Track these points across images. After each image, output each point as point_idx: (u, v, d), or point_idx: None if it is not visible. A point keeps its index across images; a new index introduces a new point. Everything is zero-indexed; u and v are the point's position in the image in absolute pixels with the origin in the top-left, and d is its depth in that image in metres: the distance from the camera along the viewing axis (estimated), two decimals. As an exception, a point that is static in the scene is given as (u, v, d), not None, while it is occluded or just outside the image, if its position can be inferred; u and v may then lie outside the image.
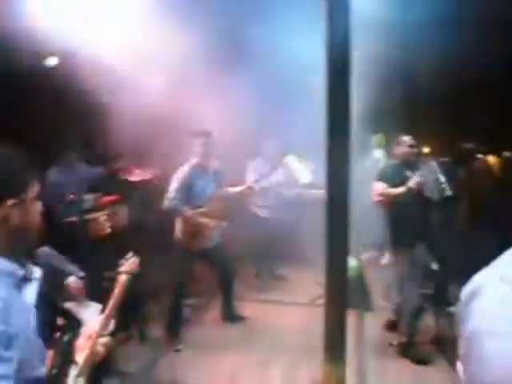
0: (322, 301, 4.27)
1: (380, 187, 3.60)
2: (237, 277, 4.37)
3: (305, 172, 5.02)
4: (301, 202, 5.43)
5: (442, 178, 3.56)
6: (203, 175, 3.91)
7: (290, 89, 4.91)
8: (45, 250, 2.59)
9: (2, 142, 1.20)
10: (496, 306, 0.68)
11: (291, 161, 5.00)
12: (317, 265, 4.83)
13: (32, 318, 1.16)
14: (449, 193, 3.52)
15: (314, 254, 5.10)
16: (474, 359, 0.68)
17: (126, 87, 4.08)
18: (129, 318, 3.57)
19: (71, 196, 4.00)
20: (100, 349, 1.42)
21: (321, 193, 5.64)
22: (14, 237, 1.18)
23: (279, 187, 5.11)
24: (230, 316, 4.31)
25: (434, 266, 3.64)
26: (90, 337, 1.42)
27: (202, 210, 3.85)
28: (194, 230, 3.82)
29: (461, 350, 0.73)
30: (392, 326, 3.88)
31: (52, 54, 5.79)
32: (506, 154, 9.24)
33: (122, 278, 1.57)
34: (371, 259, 5.32)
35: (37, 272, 1.25)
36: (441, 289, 3.76)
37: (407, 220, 3.50)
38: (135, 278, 1.62)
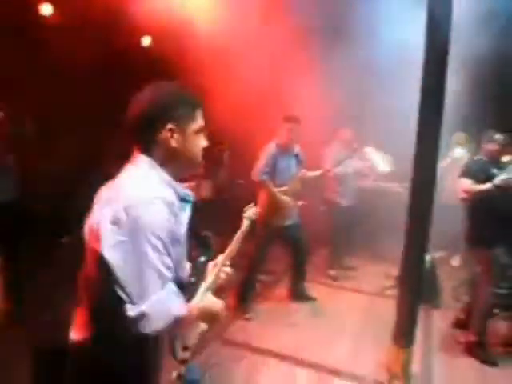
0: (391, 291, 4.39)
1: (467, 183, 3.56)
2: (308, 258, 4.53)
3: (383, 163, 5.03)
4: (377, 192, 5.45)
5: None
6: (287, 156, 4.09)
7: (386, 75, 4.91)
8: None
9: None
10: None
11: (370, 151, 5.03)
12: (387, 257, 4.93)
13: (185, 232, 1.48)
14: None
15: (384, 246, 5.18)
16: None
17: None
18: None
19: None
20: (222, 275, 1.70)
21: (397, 185, 5.65)
22: (172, 160, 1.45)
23: (356, 175, 5.15)
24: (299, 295, 4.49)
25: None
26: (215, 264, 1.71)
27: (283, 188, 4.02)
28: (275, 207, 3.99)
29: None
30: (461, 325, 3.87)
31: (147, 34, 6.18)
32: None
33: (245, 223, 1.80)
34: (441, 259, 5.26)
35: (192, 196, 1.52)
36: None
37: (490, 219, 3.45)
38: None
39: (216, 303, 1.57)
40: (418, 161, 2.86)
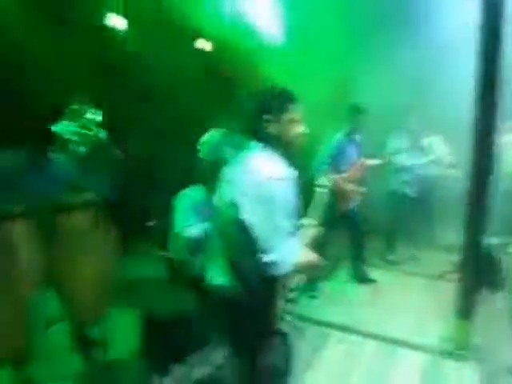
0: (451, 276, 4.52)
1: None
2: (367, 242, 4.76)
3: (447, 153, 5.08)
4: (441, 182, 5.46)
5: None
6: (349, 144, 4.36)
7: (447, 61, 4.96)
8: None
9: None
10: None
11: (434, 140, 5.09)
12: (446, 244, 5.03)
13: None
14: None
15: (444, 233, 5.27)
16: None
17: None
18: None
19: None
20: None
21: (461, 174, 5.61)
22: (276, 146, 1.94)
23: (420, 165, 5.18)
24: (359, 277, 4.74)
25: None
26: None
27: (345, 175, 4.29)
28: (336, 193, 4.22)
29: None
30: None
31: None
32: None
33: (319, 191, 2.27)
34: (499, 245, 5.26)
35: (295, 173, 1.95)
36: None
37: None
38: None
39: (312, 255, 2.06)
40: (476, 147, 3.01)
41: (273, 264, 1.79)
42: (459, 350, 3.31)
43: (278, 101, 1.92)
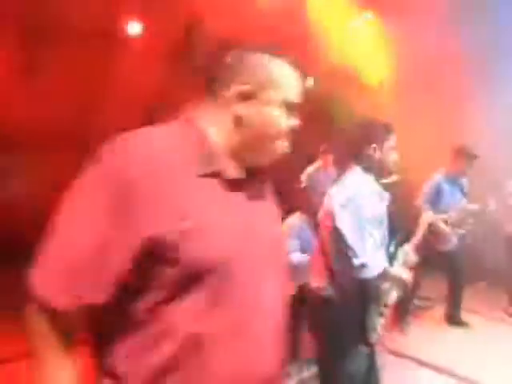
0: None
1: None
2: (466, 285, 4.67)
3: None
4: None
5: None
6: (453, 185, 4.41)
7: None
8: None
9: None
10: None
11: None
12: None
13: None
14: None
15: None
16: None
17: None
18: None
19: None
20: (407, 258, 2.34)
21: None
22: (376, 169, 2.25)
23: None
24: (454, 320, 4.65)
25: None
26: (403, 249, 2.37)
27: (444, 216, 4.32)
28: (433, 234, 4.26)
29: None
30: None
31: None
32: None
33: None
34: None
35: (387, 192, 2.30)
36: None
37: None
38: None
39: (404, 272, 2.23)
40: None
41: (362, 266, 2.03)
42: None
43: (382, 131, 2.25)
